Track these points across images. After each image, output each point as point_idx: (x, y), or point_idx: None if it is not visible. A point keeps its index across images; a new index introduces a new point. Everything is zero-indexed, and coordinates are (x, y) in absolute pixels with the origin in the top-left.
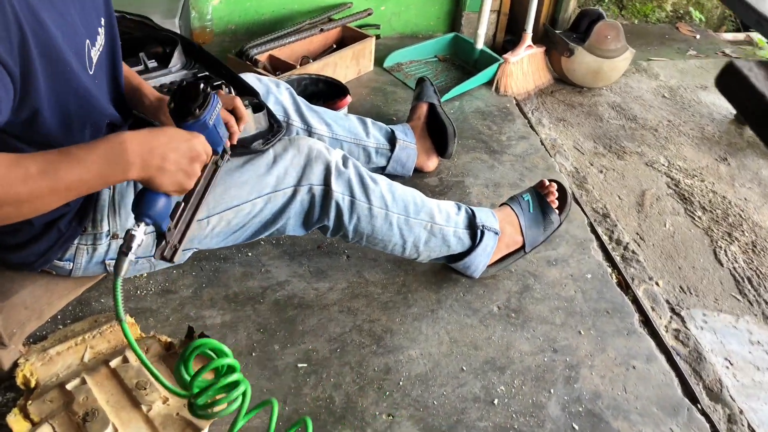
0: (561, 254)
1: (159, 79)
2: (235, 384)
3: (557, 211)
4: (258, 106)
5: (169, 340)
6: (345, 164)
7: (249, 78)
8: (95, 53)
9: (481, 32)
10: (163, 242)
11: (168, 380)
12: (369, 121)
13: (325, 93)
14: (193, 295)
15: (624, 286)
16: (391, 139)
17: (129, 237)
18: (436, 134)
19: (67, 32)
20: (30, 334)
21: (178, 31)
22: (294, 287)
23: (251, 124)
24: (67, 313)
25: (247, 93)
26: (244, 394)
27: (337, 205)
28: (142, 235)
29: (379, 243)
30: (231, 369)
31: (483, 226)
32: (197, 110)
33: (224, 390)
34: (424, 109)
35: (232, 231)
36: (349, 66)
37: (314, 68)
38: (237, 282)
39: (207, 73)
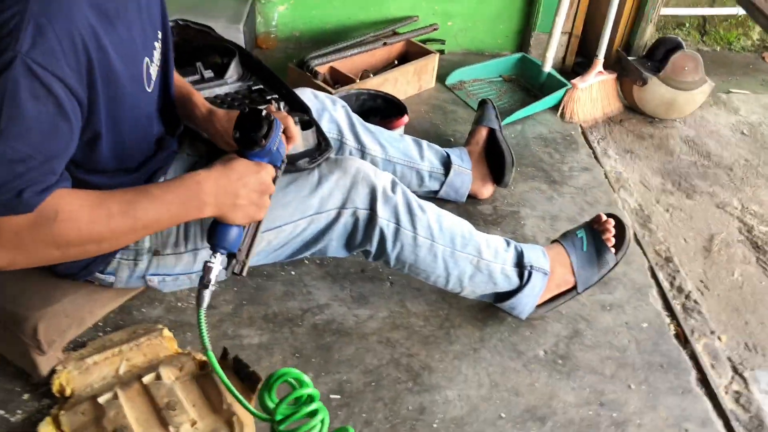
0: (617, 299)
1: (214, 90)
2: (315, 412)
3: (613, 249)
4: (307, 123)
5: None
6: (393, 189)
7: (305, 94)
8: (154, 70)
9: (550, 55)
10: (233, 260)
11: (201, 403)
12: (424, 143)
13: (383, 110)
14: (232, 312)
15: (682, 339)
16: (446, 163)
17: (207, 269)
18: (494, 161)
19: (126, 55)
20: (69, 340)
21: (243, 36)
22: (334, 312)
23: (299, 141)
24: (108, 321)
25: (299, 108)
26: (322, 421)
27: (381, 231)
28: (219, 265)
29: (422, 273)
30: (311, 398)
31: (531, 265)
32: (263, 140)
33: (306, 416)
34: (483, 133)
35: (273, 250)
36: (409, 82)
37: (374, 83)
38: (277, 301)
39: (261, 86)
